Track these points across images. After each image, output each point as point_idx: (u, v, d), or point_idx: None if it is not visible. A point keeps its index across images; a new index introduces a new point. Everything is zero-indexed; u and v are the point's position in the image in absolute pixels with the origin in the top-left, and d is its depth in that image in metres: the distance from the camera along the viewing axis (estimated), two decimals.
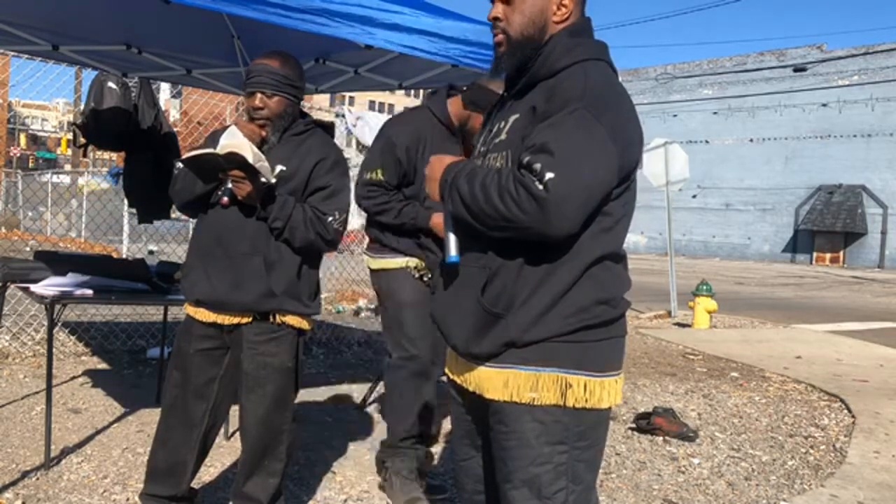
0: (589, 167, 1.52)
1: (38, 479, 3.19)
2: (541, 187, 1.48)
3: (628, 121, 1.62)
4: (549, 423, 1.63)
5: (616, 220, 1.65)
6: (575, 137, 1.52)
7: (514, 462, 1.66)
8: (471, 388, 1.74)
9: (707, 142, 32.28)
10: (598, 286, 1.63)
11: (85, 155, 6.10)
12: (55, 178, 19.67)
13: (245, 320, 2.55)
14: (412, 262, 3.16)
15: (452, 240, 1.69)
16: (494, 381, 1.66)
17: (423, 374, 3.14)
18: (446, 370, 1.89)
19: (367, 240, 3.28)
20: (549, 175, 1.47)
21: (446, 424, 4.27)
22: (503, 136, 1.70)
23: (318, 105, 9.10)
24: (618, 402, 1.71)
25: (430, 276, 3.10)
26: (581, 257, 1.61)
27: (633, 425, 4.51)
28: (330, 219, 2.56)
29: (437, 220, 3.00)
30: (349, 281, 9.81)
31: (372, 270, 3.29)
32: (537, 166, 1.49)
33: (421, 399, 3.15)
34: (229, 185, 2.46)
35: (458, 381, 1.80)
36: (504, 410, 1.66)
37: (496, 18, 1.74)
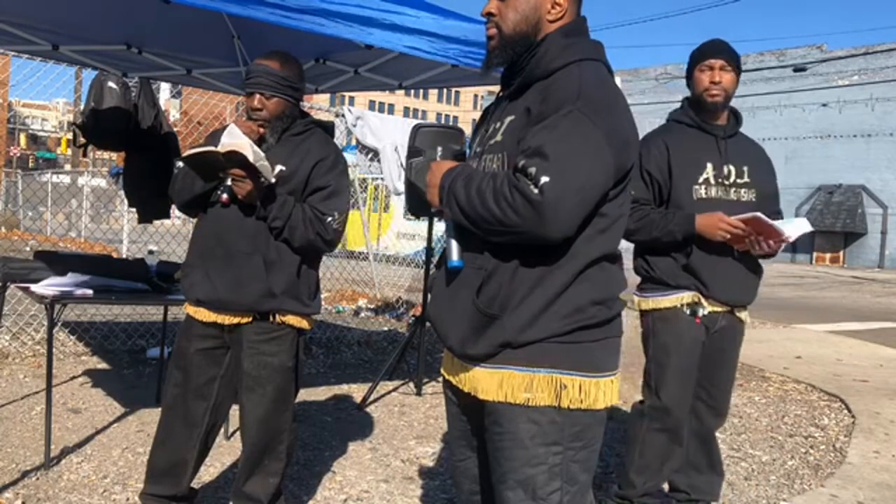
0: (584, 170, 1.51)
1: (38, 478, 3.19)
2: (536, 191, 1.47)
3: (623, 121, 1.61)
4: (544, 423, 1.63)
5: (612, 220, 1.65)
6: (570, 140, 1.52)
7: (508, 463, 1.66)
8: (466, 389, 1.74)
9: None
10: (593, 287, 1.63)
11: (85, 155, 6.09)
12: (55, 178, 19.64)
13: (245, 320, 2.55)
14: (687, 297, 2.82)
15: (454, 245, 1.69)
16: (489, 382, 1.66)
17: (673, 430, 2.87)
18: (442, 370, 1.89)
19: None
20: (544, 179, 1.47)
21: (444, 424, 4.28)
22: (498, 138, 1.70)
23: (318, 105, 9.10)
24: (614, 403, 1.71)
25: (704, 309, 2.82)
26: (577, 259, 1.61)
27: None
28: (329, 219, 2.56)
29: (706, 220, 2.72)
30: (349, 281, 9.81)
31: (641, 312, 2.93)
32: (532, 170, 1.49)
33: (667, 457, 2.91)
34: (229, 184, 2.46)
35: (454, 381, 1.80)
36: (499, 411, 1.66)
37: (490, 14, 1.74)
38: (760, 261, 2.90)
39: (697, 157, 2.86)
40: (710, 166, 2.85)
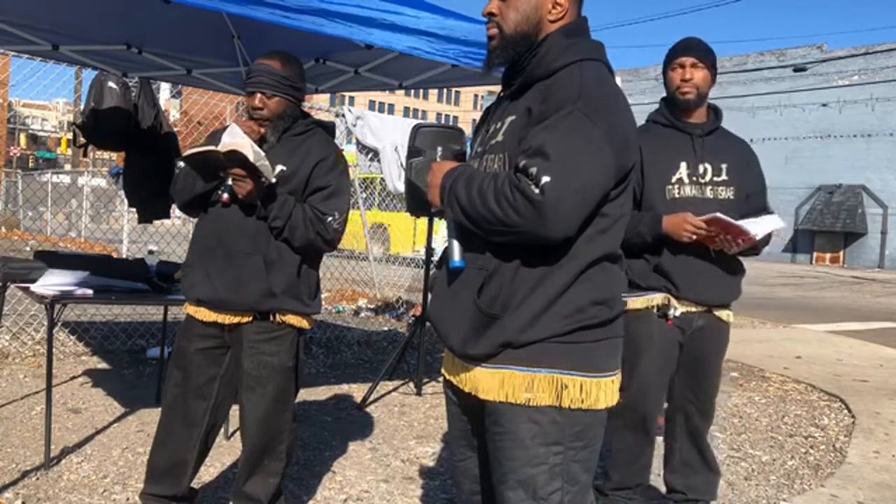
0: (585, 170, 1.52)
1: (38, 478, 3.19)
2: (537, 191, 1.48)
3: (624, 121, 1.62)
4: (545, 423, 1.63)
5: (613, 220, 1.65)
6: (571, 140, 1.52)
7: (509, 463, 1.66)
8: (466, 389, 1.74)
9: None
10: (594, 287, 1.64)
11: (85, 155, 6.09)
12: (55, 178, 19.64)
13: (245, 320, 2.56)
14: (657, 298, 2.80)
15: (456, 245, 1.69)
16: (490, 382, 1.66)
17: (640, 428, 2.88)
18: (442, 370, 1.89)
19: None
20: (545, 179, 1.48)
21: (444, 424, 4.27)
22: (499, 138, 1.70)
23: (318, 105, 9.10)
24: (615, 403, 1.71)
25: (676, 311, 2.80)
26: (578, 259, 1.61)
27: None
28: (329, 219, 2.56)
29: (672, 220, 2.71)
30: (349, 281, 9.81)
31: None
32: (533, 170, 1.49)
33: (638, 454, 2.94)
34: (230, 183, 2.46)
35: (454, 381, 1.80)
36: (499, 411, 1.66)
37: (491, 14, 1.74)
38: (749, 259, 2.87)
39: (671, 156, 2.83)
40: (684, 165, 2.82)
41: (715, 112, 2.95)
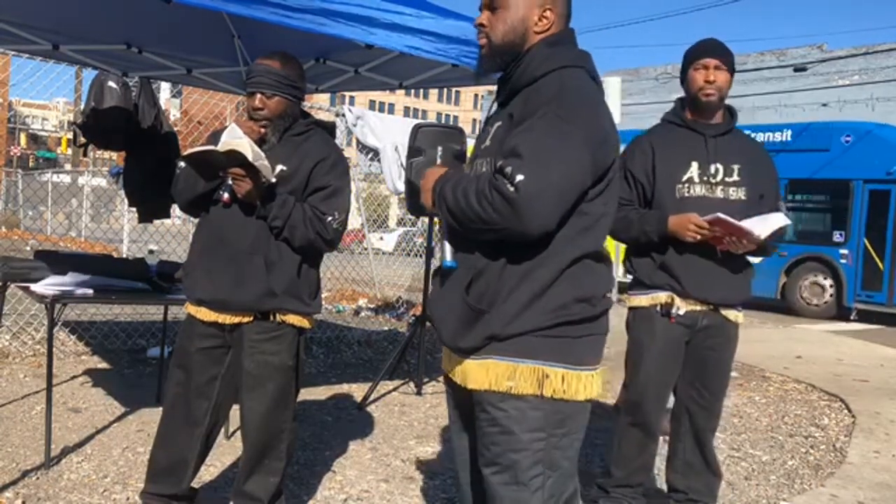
0: (559, 166, 1.58)
1: (38, 478, 3.19)
2: (512, 189, 1.55)
3: (600, 120, 1.68)
4: (527, 411, 1.70)
5: (595, 219, 1.72)
6: (544, 139, 1.60)
7: (494, 448, 1.73)
8: (458, 381, 1.81)
9: None
10: (576, 285, 1.70)
11: (85, 154, 6.10)
12: (55, 178, 19.67)
13: (246, 319, 2.56)
14: (661, 297, 2.83)
15: (447, 246, 1.78)
16: (477, 373, 1.74)
17: (645, 425, 2.90)
18: (443, 366, 1.95)
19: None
20: (519, 177, 1.55)
21: (444, 424, 4.28)
22: (487, 143, 1.80)
23: (318, 105, 9.10)
24: (595, 396, 1.77)
25: (679, 309, 2.80)
26: (560, 257, 1.68)
27: None
28: (329, 218, 2.56)
29: (677, 220, 2.74)
30: (349, 280, 9.81)
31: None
32: (508, 169, 1.57)
33: (642, 451, 2.95)
34: (230, 183, 2.46)
35: (450, 374, 1.87)
36: (485, 399, 1.74)
37: (481, 24, 1.84)
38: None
39: (683, 156, 2.86)
40: (695, 165, 2.85)
41: (731, 113, 2.97)
